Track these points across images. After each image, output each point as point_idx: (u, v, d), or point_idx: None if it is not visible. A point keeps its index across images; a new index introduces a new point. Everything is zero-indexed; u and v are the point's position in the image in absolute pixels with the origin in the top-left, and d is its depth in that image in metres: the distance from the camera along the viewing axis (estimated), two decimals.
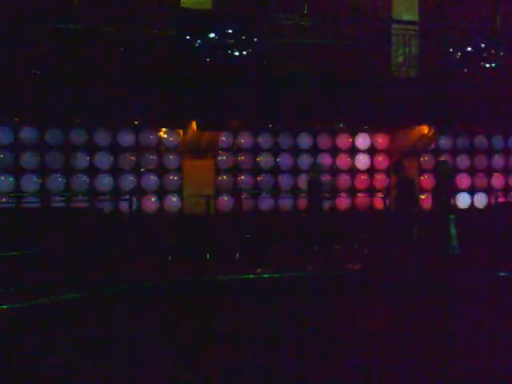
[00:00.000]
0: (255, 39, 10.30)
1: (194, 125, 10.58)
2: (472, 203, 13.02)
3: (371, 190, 12.56)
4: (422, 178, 12.68)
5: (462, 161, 13.04)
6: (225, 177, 11.73)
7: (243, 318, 6.99)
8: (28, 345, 5.94)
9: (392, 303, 7.72)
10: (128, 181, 11.20)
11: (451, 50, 11.27)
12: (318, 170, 10.24)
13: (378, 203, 12.30)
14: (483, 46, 11.31)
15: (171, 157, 11.46)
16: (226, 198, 11.67)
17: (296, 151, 12.14)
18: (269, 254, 10.13)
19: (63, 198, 10.84)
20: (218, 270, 9.21)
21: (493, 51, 11.38)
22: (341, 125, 12.14)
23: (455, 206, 10.72)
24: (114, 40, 10.38)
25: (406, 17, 11.93)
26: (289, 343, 6.04)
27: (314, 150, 12.22)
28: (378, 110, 11.06)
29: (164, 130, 11.46)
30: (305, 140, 12.15)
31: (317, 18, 11.70)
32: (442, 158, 12.48)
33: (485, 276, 9.05)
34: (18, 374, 5.13)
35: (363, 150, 12.52)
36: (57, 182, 10.83)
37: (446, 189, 10.10)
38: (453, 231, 9.38)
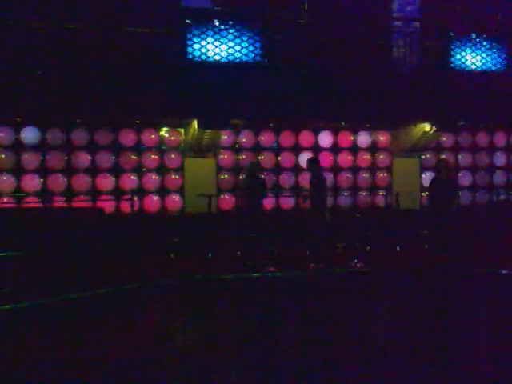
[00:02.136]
0: (256, 37, 10.28)
1: (195, 124, 10.57)
2: (474, 200, 13.01)
3: (373, 189, 12.55)
4: (423, 175, 12.67)
5: (464, 158, 13.02)
6: (226, 175, 11.72)
7: (246, 318, 6.99)
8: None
9: (393, 301, 7.72)
10: (130, 180, 11.20)
11: (452, 47, 11.25)
12: (255, 169, 10.24)
13: (380, 201, 12.31)
14: (485, 42, 11.29)
15: (173, 156, 11.45)
16: (227, 197, 11.67)
17: (297, 150, 12.13)
18: (271, 252, 10.10)
19: (65, 198, 10.83)
20: (220, 269, 9.21)
21: (494, 48, 11.36)
22: (343, 123, 12.11)
23: (457, 203, 10.72)
24: (114, 39, 10.37)
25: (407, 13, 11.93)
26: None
27: (316, 149, 12.21)
28: (380, 108, 11.05)
29: (165, 129, 11.45)
30: (306, 138, 12.14)
31: (317, 16, 11.68)
32: (442, 156, 12.47)
33: (487, 273, 9.06)
34: None
35: (365, 148, 12.52)
36: (58, 181, 10.83)
37: (445, 187, 10.11)
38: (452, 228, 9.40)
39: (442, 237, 10.03)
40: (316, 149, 12.18)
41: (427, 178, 12.53)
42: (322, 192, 9.83)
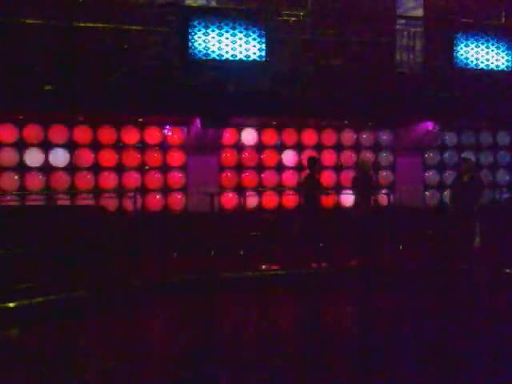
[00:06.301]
0: (258, 35, 10.26)
1: (198, 122, 10.56)
2: None
3: (376, 187, 12.50)
4: (426, 174, 12.65)
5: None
6: (229, 174, 11.71)
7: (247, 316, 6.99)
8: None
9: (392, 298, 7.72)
10: (132, 178, 11.20)
11: (456, 46, 11.21)
12: None
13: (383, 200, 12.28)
14: (489, 41, 11.25)
15: (175, 154, 11.45)
16: (230, 195, 11.66)
17: (300, 148, 12.11)
18: (273, 251, 10.10)
19: (67, 196, 10.84)
20: (223, 268, 9.20)
21: (499, 47, 11.33)
22: (345, 121, 12.09)
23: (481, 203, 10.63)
24: (117, 37, 10.36)
25: (411, 12, 11.89)
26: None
27: (319, 147, 12.20)
28: (383, 107, 11.02)
29: (168, 127, 11.44)
30: (309, 136, 12.12)
31: (320, 14, 11.66)
32: (464, 155, 12.38)
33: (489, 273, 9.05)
34: None
35: (368, 146, 12.49)
36: (61, 179, 10.82)
37: (468, 187, 10.00)
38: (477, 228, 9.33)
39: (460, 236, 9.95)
40: (318, 147, 12.18)
41: (430, 176, 12.54)
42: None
